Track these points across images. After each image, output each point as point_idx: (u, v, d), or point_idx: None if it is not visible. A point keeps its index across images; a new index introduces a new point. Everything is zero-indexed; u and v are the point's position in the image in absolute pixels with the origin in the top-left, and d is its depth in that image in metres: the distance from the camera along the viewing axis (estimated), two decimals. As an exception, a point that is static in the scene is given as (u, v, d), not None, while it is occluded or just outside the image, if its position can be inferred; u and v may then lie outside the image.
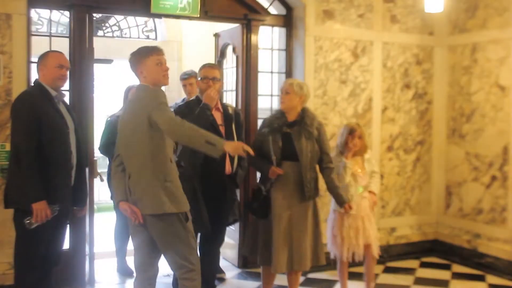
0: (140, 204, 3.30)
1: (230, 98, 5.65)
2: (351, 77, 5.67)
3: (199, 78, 4.24)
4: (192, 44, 8.40)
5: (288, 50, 5.62)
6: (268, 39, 5.68)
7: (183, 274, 3.36)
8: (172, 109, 4.36)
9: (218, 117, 4.21)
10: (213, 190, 4.09)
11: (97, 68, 5.21)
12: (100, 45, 6.07)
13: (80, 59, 4.65)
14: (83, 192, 3.87)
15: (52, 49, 4.01)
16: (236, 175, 4.28)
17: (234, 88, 5.54)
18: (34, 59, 4.18)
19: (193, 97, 4.56)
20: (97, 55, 4.89)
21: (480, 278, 5.37)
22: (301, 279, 4.72)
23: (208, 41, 6.67)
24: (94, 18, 5.10)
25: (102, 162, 7.66)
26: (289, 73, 5.62)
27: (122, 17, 8.40)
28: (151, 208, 3.28)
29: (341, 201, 4.24)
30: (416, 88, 6.08)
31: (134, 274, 3.56)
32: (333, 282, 5.10)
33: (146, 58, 3.33)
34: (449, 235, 6.03)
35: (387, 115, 5.87)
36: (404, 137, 6.02)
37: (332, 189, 4.24)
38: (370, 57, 5.76)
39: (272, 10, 5.59)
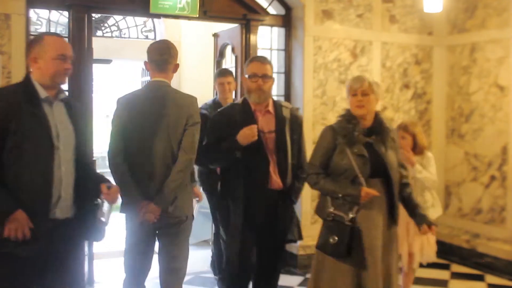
0: (170, 205, 3.23)
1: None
2: (350, 77, 5.65)
3: (246, 75, 3.50)
4: (191, 44, 8.39)
5: (287, 50, 5.62)
6: (267, 39, 5.68)
7: (181, 279, 3.44)
8: (202, 111, 4.25)
9: (269, 121, 3.47)
10: (259, 212, 3.40)
11: (96, 68, 5.21)
12: (99, 45, 6.07)
13: (79, 59, 4.64)
14: (89, 228, 2.81)
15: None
16: (292, 190, 3.52)
17: (233, 88, 5.53)
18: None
19: (237, 101, 3.74)
20: (96, 55, 4.90)
21: (479, 278, 5.37)
22: (301, 279, 4.65)
23: (207, 41, 6.67)
24: (93, 18, 5.10)
25: (101, 163, 7.65)
26: (288, 73, 5.62)
27: (121, 17, 8.39)
28: (182, 209, 3.28)
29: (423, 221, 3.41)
30: (415, 88, 6.08)
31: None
32: (333, 282, 5.09)
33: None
34: (448, 235, 6.02)
35: (386, 115, 5.87)
36: (403, 137, 6.01)
37: (413, 210, 3.41)
38: (369, 57, 5.76)
39: (271, 10, 5.59)
